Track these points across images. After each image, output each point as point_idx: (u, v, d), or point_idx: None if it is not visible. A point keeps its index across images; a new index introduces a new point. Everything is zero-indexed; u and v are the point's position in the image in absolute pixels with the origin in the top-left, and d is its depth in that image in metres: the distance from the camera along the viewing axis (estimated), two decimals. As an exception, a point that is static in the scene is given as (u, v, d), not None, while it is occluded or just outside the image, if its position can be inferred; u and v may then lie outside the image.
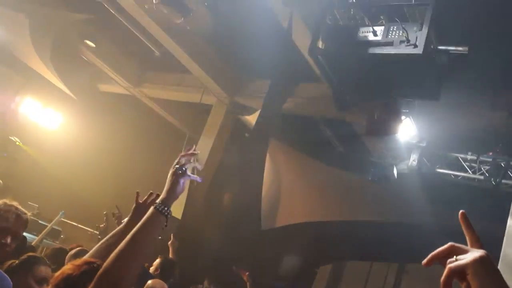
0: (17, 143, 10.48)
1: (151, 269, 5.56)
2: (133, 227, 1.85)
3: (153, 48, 9.13)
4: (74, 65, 10.70)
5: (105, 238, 2.50)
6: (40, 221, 8.99)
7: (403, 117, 5.41)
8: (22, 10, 8.56)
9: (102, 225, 9.47)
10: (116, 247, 1.78)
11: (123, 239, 1.81)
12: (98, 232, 9.87)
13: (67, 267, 1.97)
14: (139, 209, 2.54)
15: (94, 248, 2.39)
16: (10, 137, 10.65)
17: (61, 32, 9.57)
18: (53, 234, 9.14)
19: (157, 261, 5.70)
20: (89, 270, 1.91)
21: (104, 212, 9.48)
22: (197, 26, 7.39)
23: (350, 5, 5.07)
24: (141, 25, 8.13)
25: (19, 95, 11.36)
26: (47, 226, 8.84)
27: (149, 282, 4.15)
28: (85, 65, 10.74)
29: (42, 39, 9.55)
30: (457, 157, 6.49)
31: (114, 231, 2.55)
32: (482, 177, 6.44)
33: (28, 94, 11.33)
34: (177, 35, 8.11)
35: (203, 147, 10.02)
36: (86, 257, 2.18)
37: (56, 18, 8.91)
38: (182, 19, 6.55)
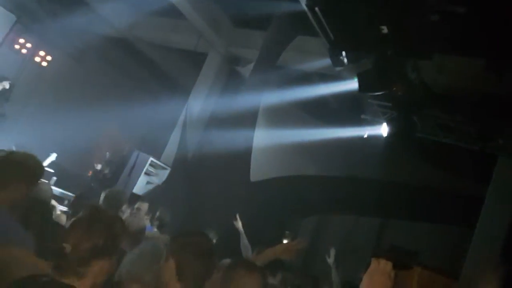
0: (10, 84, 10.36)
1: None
2: None
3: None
4: (68, 6, 10.43)
5: None
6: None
7: (396, 75, 5.41)
8: None
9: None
10: None
11: None
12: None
13: None
14: None
15: None
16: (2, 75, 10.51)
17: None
18: (45, 175, 9.23)
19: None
20: None
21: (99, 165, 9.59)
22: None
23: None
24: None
25: (12, 34, 11.13)
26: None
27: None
28: (79, 7, 10.47)
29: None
30: (445, 117, 6.56)
31: None
32: (469, 139, 6.55)
33: (21, 33, 11.10)
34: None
35: (197, 95, 10.00)
36: None
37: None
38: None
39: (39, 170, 2.71)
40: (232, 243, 5.23)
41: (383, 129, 6.98)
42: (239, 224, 5.53)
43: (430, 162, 9.47)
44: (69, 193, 8.22)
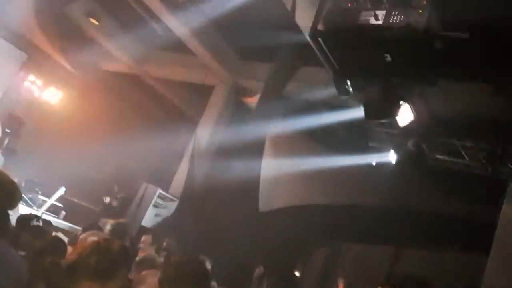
0: (21, 119, 10.54)
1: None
2: None
3: (157, 28, 9.11)
4: (77, 43, 10.70)
5: None
6: (40, 196, 9.11)
7: (401, 102, 5.43)
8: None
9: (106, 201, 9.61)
10: None
11: None
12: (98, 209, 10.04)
13: None
14: None
15: None
16: (12, 113, 10.70)
17: (66, 9, 9.58)
18: (55, 210, 9.25)
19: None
20: None
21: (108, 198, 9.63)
22: (201, 6, 7.39)
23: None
24: (145, 4, 8.12)
25: (23, 72, 11.38)
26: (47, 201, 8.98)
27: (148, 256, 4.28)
28: (89, 43, 10.73)
29: (47, 16, 9.56)
30: (454, 143, 6.53)
31: None
32: (479, 164, 6.49)
33: (31, 70, 11.35)
34: (181, 14, 8.10)
35: (204, 126, 10.08)
36: None
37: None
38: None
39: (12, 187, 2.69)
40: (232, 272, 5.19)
41: (391, 156, 6.96)
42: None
43: (441, 189, 9.36)
44: (78, 227, 8.21)
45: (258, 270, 7.73)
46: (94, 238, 2.26)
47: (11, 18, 9.86)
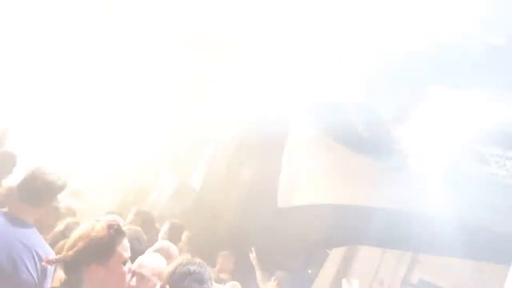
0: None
1: (160, 235, 5.74)
2: None
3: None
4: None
5: None
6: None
7: (429, 106, 5.33)
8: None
9: None
10: None
11: None
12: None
13: None
14: None
15: None
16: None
17: None
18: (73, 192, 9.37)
19: (166, 226, 5.87)
20: None
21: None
22: None
23: None
24: None
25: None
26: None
27: (163, 243, 4.30)
28: None
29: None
30: (481, 151, 6.37)
31: None
32: (505, 173, 6.33)
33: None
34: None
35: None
36: None
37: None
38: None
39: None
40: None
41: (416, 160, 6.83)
42: (254, 257, 5.54)
43: (462, 195, 9.16)
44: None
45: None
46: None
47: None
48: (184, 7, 8.43)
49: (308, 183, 9.86)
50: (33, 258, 2.66)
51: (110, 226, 2.13)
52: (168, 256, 3.65)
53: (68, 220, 4.29)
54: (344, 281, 5.77)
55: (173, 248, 4.24)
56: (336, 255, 12.40)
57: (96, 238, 2.05)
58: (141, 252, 3.62)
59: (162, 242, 4.75)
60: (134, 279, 2.84)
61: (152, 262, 3.09)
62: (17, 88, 9.68)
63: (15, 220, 2.78)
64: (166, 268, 2.71)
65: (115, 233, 2.12)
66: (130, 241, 2.25)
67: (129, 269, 2.20)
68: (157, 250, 3.97)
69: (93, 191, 9.97)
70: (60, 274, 2.15)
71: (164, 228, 5.84)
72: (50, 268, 2.70)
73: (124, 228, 2.29)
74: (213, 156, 9.65)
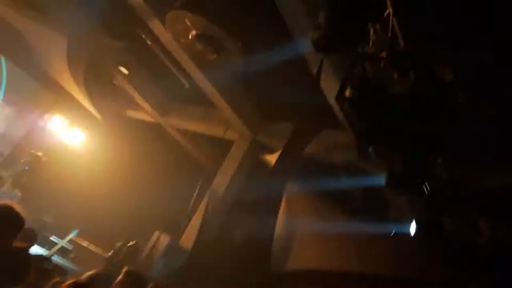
0: (41, 158, 10.72)
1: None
2: None
3: (183, 80, 9.35)
4: (105, 89, 11.01)
5: None
6: (50, 238, 9.08)
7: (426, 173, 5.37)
8: (62, 30, 8.93)
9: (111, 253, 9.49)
10: None
11: None
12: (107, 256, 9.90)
13: None
14: None
15: None
16: (34, 152, 10.89)
17: (97, 55, 9.95)
18: (63, 251, 9.18)
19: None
20: None
21: (119, 243, 9.54)
22: (228, 64, 7.58)
23: (380, 59, 5.15)
24: (175, 58, 8.37)
25: (49, 112, 11.69)
26: (58, 242, 8.94)
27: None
28: (116, 90, 11.04)
29: (78, 60, 9.90)
30: (477, 220, 6.37)
31: None
32: (501, 243, 6.29)
33: (57, 111, 11.66)
34: (208, 70, 8.31)
35: (220, 182, 10.06)
36: None
37: (95, 41, 9.25)
38: (215, 55, 6.74)
39: (19, 221, 2.71)
40: None
41: (411, 227, 6.79)
42: None
43: (458, 264, 9.04)
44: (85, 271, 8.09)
45: None
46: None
47: (43, 59, 10.26)
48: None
49: (302, 246, 9.71)
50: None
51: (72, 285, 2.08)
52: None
53: (56, 280, 4.23)
54: None
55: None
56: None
57: None
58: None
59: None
60: None
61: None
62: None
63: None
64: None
65: None
66: None
67: None
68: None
69: (83, 250, 9.79)
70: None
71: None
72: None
73: None
74: (205, 217, 9.56)
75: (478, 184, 5.90)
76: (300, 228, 9.24)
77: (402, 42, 4.47)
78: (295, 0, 5.80)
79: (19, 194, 9.80)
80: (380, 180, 6.09)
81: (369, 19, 4.60)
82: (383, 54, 4.93)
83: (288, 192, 9.00)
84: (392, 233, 7.44)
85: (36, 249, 7.45)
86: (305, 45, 5.79)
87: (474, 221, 6.59)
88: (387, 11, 4.43)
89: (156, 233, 9.16)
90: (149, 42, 8.34)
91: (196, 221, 9.75)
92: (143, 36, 8.25)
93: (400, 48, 4.90)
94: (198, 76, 8.57)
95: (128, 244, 9.49)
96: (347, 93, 5.15)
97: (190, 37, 6.43)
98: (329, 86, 6.57)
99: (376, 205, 8.11)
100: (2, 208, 2.73)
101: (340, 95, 5.10)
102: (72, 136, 11.51)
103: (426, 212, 6.39)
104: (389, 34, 4.87)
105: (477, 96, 4.55)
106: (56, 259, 8.72)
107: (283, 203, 9.07)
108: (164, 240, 8.96)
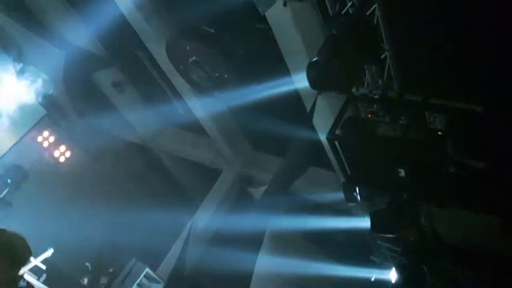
0: (24, 172, 10.49)
1: None
2: None
3: (176, 105, 9.34)
4: (97, 107, 10.95)
5: None
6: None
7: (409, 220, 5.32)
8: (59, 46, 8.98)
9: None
10: None
11: None
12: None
13: None
14: None
15: None
16: (18, 165, 10.67)
17: (93, 76, 10.01)
18: (37, 271, 8.84)
19: None
20: None
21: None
22: (224, 94, 7.61)
23: (373, 101, 5.20)
24: (171, 82, 8.39)
25: (38, 126, 11.52)
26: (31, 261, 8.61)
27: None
28: (108, 109, 10.97)
29: (74, 80, 9.92)
30: (456, 272, 6.29)
31: None
32: None
33: (46, 126, 11.49)
34: (203, 98, 8.32)
35: (204, 210, 9.93)
36: None
37: (93, 61, 9.30)
38: (211, 83, 6.77)
39: (25, 253, 2.60)
40: None
41: (392, 275, 6.66)
42: None
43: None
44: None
45: None
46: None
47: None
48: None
49: (279, 285, 9.52)
50: None
51: None
52: None
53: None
54: None
55: None
56: None
57: None
58: None
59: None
60: None
61: None
62: None
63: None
64: None
65: None
66: None
67: None
68: None
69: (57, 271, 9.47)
70: None
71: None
72: None
73: None
74: (185, 248, 9.36)
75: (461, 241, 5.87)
76: (280, 266, 9.07)
77: (396, 86, 4.52)
78: (295, 38, 5.87)
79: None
80: (365, 223, 6.02)
81: (366, 61, 4.66)
82: (377, 96, 4.99)
83: (271, 228, 8.88)
84: (373, 279, 7.32)
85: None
86: (301, 81, 5.83)
87: (455, 276, 6.53)
88: (384, 54, 4.50)
89: (133, 260, 8.92)
90: (147, 65, 8.37)
91: (175, 250, 9.55)
92: (142, 58, 8.30)
93: (394, 92, 4.97)
94: (193, 102, 8.58)
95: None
96: (339, 131, 5.16)
97: (188, 62, 6.47)
98: (321, 123, 6.60)
99: (358, 248, 8.02)
100: None
101: (331, 133, 5.10)
102: (58, 152, 11.31)
103: (408, 261, 6.30)
104: (385, 78, 4.95)
105: (466, 149, 4.58)
106: (29, 278, 8.39)
107: (265, 239, 8.93)
108: (139, 268, 8.72)
